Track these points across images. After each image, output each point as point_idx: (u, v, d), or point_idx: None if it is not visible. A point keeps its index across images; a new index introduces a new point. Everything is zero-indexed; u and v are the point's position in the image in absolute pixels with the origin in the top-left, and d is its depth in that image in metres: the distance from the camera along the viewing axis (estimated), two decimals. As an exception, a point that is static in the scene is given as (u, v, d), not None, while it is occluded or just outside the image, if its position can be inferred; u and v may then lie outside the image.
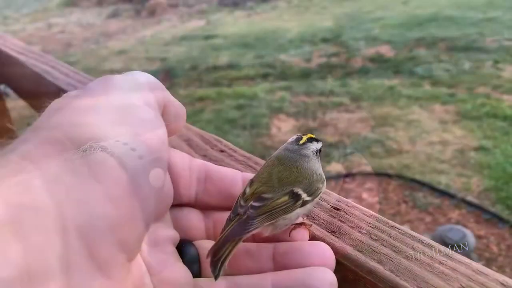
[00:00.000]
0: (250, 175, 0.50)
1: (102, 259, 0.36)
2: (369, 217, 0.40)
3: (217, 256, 0.43)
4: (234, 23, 11.69)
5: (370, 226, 0.39)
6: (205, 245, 0.48)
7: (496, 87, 5.47)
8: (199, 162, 0.53)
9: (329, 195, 0.44)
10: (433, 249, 0.36)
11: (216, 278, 0.43)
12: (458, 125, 4.67)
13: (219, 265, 0.42)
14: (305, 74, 6.82)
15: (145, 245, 0.46)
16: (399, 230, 0.39)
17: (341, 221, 0.40)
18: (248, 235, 0.44)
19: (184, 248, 0.48)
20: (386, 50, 7.45)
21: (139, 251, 0.43)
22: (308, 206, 0.45)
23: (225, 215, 0.47)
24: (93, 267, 0.36)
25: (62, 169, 0.35)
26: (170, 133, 0.45)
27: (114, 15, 14.33)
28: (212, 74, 7.35)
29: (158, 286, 0.45)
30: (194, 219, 0.52)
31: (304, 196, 0.44)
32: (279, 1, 14.03)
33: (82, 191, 0.35)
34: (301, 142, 0.50)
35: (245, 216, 0.44)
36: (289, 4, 13.48)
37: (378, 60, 7.02)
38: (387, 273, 0.34)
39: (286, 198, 0.45)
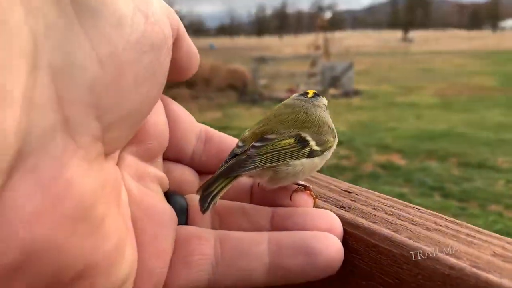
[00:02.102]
0: None
1: (71, 116, 0.32)
2: (384, 199, 0.35)
3: (208, 191, 0.38)
4: (249, 118, 12.09)
5: (386, 205, 0.34)
6: (196, 199, 0.43)
7: (508, 206, 5.38)
8: (201, 124, 0.50)
9: (340, 182, 0.40)
10: (459, 225, 0.31)
11: (204, 212, 0.38)
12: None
13: (209, 199, 0.37)
14: (316, 173, 6.85)
15: (128, 175, 0.42)
16: (419, 209, 0.34)
17: (352, 200, 0.36)
18: (245, 173, 0.39)
19: (172, 197, 0.43)
20: (397, 159, 7.52)
21: (118, 145, 0.38)
22: (316, 160, 0.40)
23: None
24: (58, 118, 0.31)
25: (47, 6, 0.32)
26: (181, 74, 0.43)
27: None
28: (224, 162, 7.43)
29: (136, 213, 0.39)
30: (187, 174, 0.48)
31: (313, 144, 0.40)
32: (296, 103, 14.56)
33: (66, 34, 0.32)
34: (309, 95, 0.47)
35: (245, 156, 0.39)
36: (306, 107, 13.96)
37: (389, 167, 7.06)
38: (404, 238, 0.29)
39: (291, 140, 0.40)
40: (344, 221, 0.33)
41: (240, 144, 0.43)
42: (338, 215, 0.34)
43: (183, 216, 0.43)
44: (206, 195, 0.38)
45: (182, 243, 0.42)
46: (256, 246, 0.39)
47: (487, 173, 6.63)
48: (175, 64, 0.42)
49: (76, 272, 0.34)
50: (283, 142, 0.41)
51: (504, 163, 7.14)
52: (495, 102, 13.04)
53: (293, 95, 0.50)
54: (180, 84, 16.46)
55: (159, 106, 0.47)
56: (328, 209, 0.36)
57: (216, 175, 0.40)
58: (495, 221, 4.87)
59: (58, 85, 0.31)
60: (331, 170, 7.01)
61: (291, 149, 0.41)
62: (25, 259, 0.30)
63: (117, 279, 0.37)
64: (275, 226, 0.41)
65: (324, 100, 0.49)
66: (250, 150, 0.41)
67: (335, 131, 0.45)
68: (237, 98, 15.93)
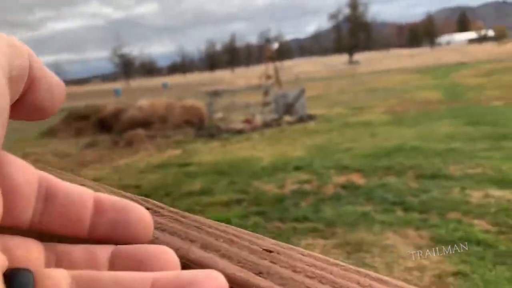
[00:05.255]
0: (104, 196, 0.39)
1: None
2: (306, 256, 0.32)
3: None
4: (209, 152, 12.03)
5: (307, 265, 0.31)
6: (49, 274, 0.34)
7: (466, 212, 5.55)
8: (40, 174, 0.41)
9: (263, 239, 0.37)
10: (384, 283, 0.28)
11: None
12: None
13: None
14: (279, 200, 6.83)
15: None
16: (342, 267, 0.31)
17: (272, 262, 0.33)
18: None
19: (15, 276, 0.34)
20: (357, 178, 7.64)
21: None
22: None
23: (71, 248, 0.35)
24: None
25: None
26: (44, 112, 0.36)
27: (91, 145, 14.60)
28: (185, 200, 7.29)
29: None
30: (32, 249, 0.38)
31: None
32: (252, 133, 14.71)
33: None
34: None
35: None
36: (262, 135, 14.11)
37: (350, 187, 7.15)
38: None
39: None
40: (258, 288, 0.30)
41: None
42: (253, 284, 0.31)
43: None
44: None
45: None
46: None
47: (442, 182, 6.84)
48: (36, 104, 0.36)
49: None
50: None
51: (456, 171, 7.41)
52: (440, 114, 13.65)
53: None
54: (136, 126, 16.22)
55: None
56: (245, 278, 0.32)
57: None
58: (455, 229, 4.99)
59: None
60: (294, 195, 7.02)
61: None
62: None
63: None
64: None
65: None
66: None
67: None
68: (194, 134, 15.90)
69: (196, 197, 7.42)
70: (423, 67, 34.27)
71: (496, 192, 6.20)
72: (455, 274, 4.07)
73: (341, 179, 7.68)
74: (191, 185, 8.28)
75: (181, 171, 9.79)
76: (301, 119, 16.71)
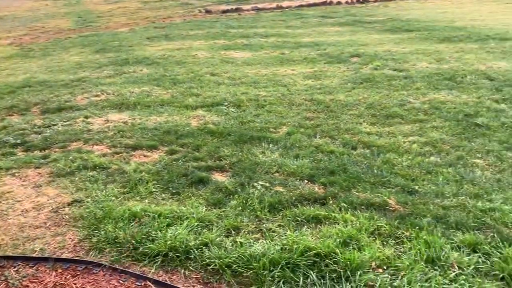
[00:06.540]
0: None
1: None
2: None
3: None
4: None
5: None
6: None
7: (87, 140, 5.75)
8: None
9: None
10: None
11: None
12: (52, 185, 4.58)
13: None
14: None
15: None
16: None
17: None
18: None
19: None
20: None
21: None
22: None
23: None
24: None
25: None
26: None
27: None
28: None
29: None
30: None
31: None
32: None
33: None
34: None
35: None
36: None
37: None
38: None
39: None
40: None
41: None
42: None
43: None
44: None
45: None
46: None
47: (68, 114, 6.84)
48: None
49: None
50: None
51: (82, 100, 7.53)
52: (71, 43, 13.38)
53: None
54: None
55: None
56: None
57: None
58: (74, 159, 5.11)
59: None
60: None
61: None
62: None
63: None
64: None
65: None
66: None
67: None
68: None
69: None
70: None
71: (115, 116, 6.67)
72: (71, 203, 4.20)
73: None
74: None
75: None
76: None
